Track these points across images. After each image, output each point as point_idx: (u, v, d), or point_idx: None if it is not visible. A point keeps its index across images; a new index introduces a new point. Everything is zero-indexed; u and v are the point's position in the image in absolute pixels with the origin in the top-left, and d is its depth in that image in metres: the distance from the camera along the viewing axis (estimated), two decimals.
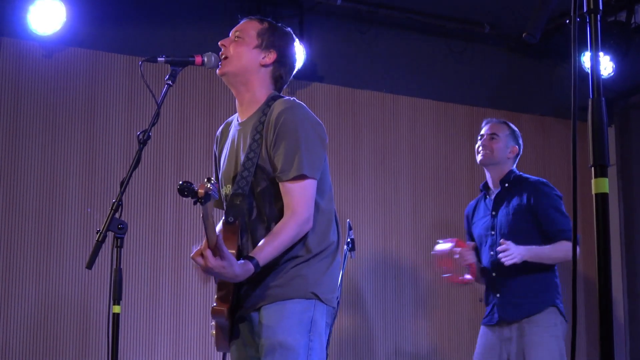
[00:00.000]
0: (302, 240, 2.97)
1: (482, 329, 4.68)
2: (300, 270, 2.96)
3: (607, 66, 6.14)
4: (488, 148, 4.70)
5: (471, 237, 4.85)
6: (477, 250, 4.73)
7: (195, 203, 2.54)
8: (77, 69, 5.51)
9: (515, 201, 4.60)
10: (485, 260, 4.67)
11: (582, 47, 1.93)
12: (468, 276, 4.66)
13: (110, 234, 2.91)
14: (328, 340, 4.66)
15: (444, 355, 6.18)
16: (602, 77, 1.99)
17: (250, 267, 2.81)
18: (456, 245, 4.63)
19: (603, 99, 1.97)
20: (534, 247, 4.48)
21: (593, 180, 1.94)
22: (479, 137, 4.77)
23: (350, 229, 4.86)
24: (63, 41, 5.40)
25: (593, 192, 1.93)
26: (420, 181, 6.36)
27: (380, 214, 6.17)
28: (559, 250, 4.47)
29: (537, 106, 6.83)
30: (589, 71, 2.00)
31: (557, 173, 6.70)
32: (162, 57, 3.04)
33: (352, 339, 5.94)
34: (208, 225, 2.65)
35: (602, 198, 1.93)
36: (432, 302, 6.18)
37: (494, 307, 4.60)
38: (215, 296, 2.97)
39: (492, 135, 4.72)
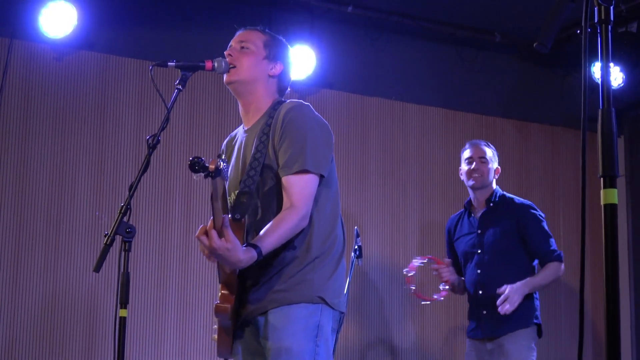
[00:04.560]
0: (306, 241, 2.98)
1: (469, 342, 4.82)
2: (306, 274, 2.97)
3: (617, 77, 6.14)
4: (479, 172, 4.79)
5: (451, 251, 4.97)
6: (456, 266, 4.88)
7: (205, 177, 2.55)
8: (88, 72, 5.52)
9: (503, 223, 4.73)
10: (471, 277, 4.78)
11: (592, 58, 1.93)
12: (443, 291, 4.74)
13: (118, 238, 2.91)
14: (335, 346, 4.66)
15: None
16: (612, 87, 1.98)
17: (253, 254, 2.80)
18: (434, 262, 4.77)
19: (613, 109, 1.96)
20: (528, 280, 4.60)
21: (602, 191, 1.93)
22: (467, 160, 4.85)
23: (357, 236, 4.87)
24: (74, 44, 5.41)
25: (602, 203, 1.93)
26: (429, 189, 6.35)
27: (388, 221, 6.17)
28: (550, 275, 4.66)
29: (547, 116, 6.82)
30: (599, 81, 2.00)
31: (566, 183, 6.69)
32: (172, 61, 3.05)
33: (358, 346, 5.93)
34: (216, 206, 2.65)
35: (611, 209, 1.92)
36: (439, 309, 6.16)
37: (479, 323, 4.73)
38: (219, 294, 2.97)
39: (482, 159, 4.81)
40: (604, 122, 1.95)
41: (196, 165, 2.53)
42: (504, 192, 4.85)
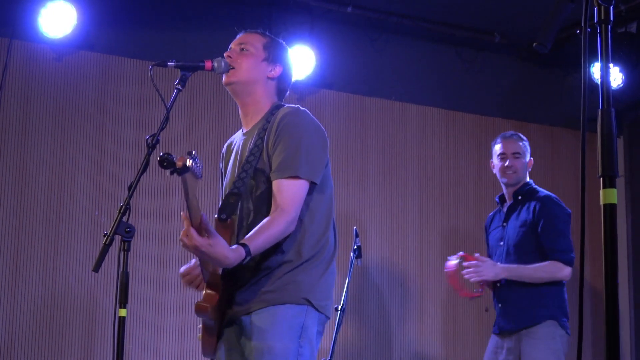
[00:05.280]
0: (296, 245, 2.98)
1: (492, 336, 4.73)
2: (294, 276, 2.97)
3: (616, 77, 6.13)
4: (513, 169, 4.69)
5: (489, 246, 4.91)
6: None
7: (171, 173, 2.50)
8: (87, 72, 5.52)
9: (523, 214, 4.64)
10: None
11: (592, 58, 1.93)
12: (480, 289, 4.68)
13: (118, 237, 2.91)
14: (334, 346, 4.66)
15: None
16: (612, 88, 1.98)
17: (242, 253, 2.78)
18: (465, 260, 4.64)
19: (613, 110, 1.96)
20: (513, 266, 4.53)
21: (601, 191, 1.93)
22: (500, 157, 4.74)
23: (357, 236, 4.86)
24: (73, 44, 5.42)
25: (601, 203, 1.93)
26: (428, 189, 6.35)
27: (387, 221, 6.17)
28: (543, 271, 4.49)
29: (547, 116, 6.82)
30: (599, 82, 2.00)
31: (566, 184, 6.68)
32: (172, 61, 3.05)
33: (358, 346, 5.93)
34: (189, 203, 2.62)
35: (611, 209, 1.92)
36: (438, 310, 6.16)
37: (497, 317, 4.67)
38: (203, 293, 2.96)
39: (515, 155, 4.71)
40: (604, 122, 1.95)
41: (165, 162, 2.49)
42: (535, 187, 4.73)
